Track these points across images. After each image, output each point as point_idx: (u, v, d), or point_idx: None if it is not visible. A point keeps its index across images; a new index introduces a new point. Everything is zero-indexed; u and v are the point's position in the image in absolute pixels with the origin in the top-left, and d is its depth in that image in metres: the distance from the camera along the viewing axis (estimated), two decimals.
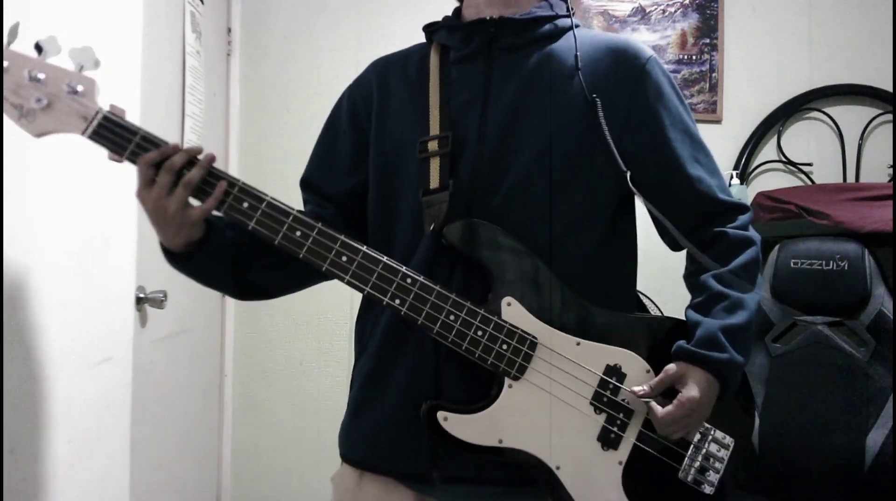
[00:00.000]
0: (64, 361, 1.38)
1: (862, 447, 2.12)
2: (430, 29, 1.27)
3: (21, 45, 1.04)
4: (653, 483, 1.12)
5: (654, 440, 1.11)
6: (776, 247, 2.33)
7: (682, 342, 1.11)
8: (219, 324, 2.62)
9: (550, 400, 1.09)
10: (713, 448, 1.13)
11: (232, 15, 2.66)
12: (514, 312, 1.09)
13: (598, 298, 1.14)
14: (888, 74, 2.62)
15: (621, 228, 1.20)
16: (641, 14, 2.70)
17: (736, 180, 2.57)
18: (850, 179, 2.62)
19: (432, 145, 1.15)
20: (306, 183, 1.29)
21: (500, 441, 1.08)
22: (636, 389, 1.09)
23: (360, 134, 1.25)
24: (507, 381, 1.09)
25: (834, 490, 2.13)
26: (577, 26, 1.22)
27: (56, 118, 1.03)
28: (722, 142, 2.64)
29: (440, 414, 1.07)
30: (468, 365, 1.09)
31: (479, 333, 1.08)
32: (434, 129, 1.16)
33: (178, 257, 1.13)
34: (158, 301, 1.81)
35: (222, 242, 1.13)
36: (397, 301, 1.07)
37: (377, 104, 1.23)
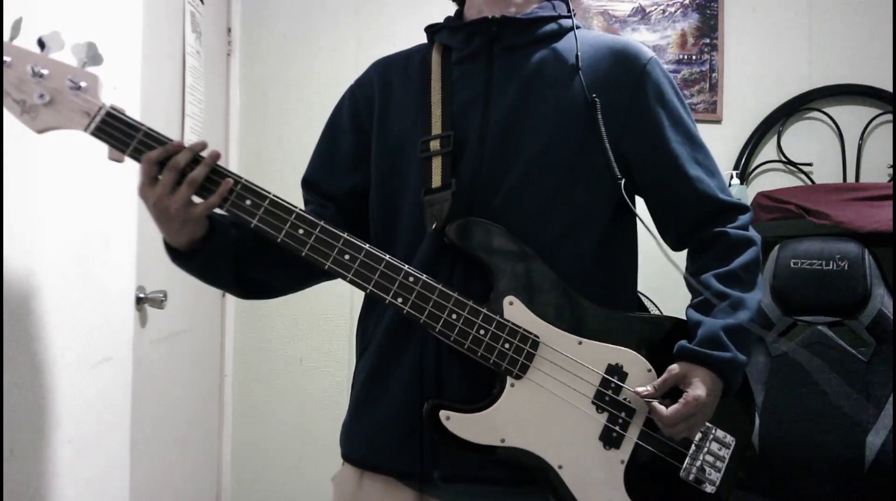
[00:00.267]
0: (64, 361, 1.38)
1: (862, 447, 2.12)
2: (431, 30, 1.27)
3: (22, 43, 1.04)
4: (655, 482, 1.12)
5: (655, 439, 1.11)
6: (776, 247, 2.33)
7: (683, 342, 1.11)
8: (219, 324, 2.62)
9: (552, 399, 1.09)
10: (714, 446, 1.13)
11: (232, 15, 2.66)
12: (515, 311, 1.10)
13: (599, 297, 1.14)
14: (888, 74, 2.62)
15: (622, 227, 1.20)
16: (641, 14, 2.70)
17: (736, 180, 2.57)
18: (850, 179, 2.62)
19: (434, 145, 1.15)
20: (307, 183, 1.29)
21: (503, 441, 1.08)
22: (640, 389, 1.09)
23: (361, 134, 1.25)
24: (509, 380, 1.09)
25: (834, 490, 2.13)
26: (578, 27, 1.22)
27: (59, 114, 1.02)
28: (722, 142, 2.64)
29: (443, 413, 1.07)
30: (470, 364, 1.09)
31: (482, 332, 1.08)
32: (436, 128, 1.16)
33: (181, 255, 1.12)
34: (158, 301, 1.81)
35: (225, 239, 1.13)
36: (399, 300, 1.07)
37: (379, 104, 1.24)
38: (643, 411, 1.10)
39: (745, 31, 2.69)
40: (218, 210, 1.09)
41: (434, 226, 1.11)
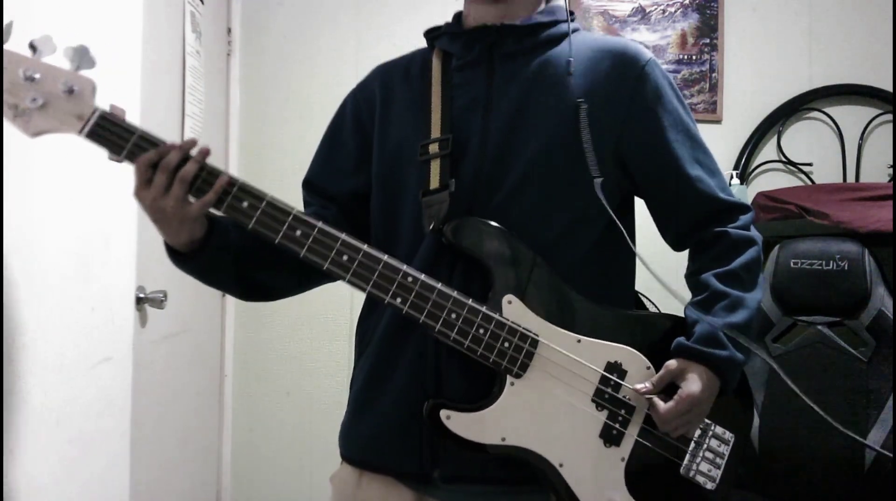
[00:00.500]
0: (64, 361, 1.39)
1: (862, 447, 2.12)
2: (431, 35, 1.27)
3: (20, 47, 1.04)
4: (655, 479, 1.12)
5: (655, 436, 1.11)
6: (776, 247, 2.33)
7: (681, 339, 1.12)
8: (219, 324, 2.62)
9: (552, 398, 1.09)
10: (714, 443, 1.14)
11: (232, 15, 2.66)
12: (514, 309, 1.10)
13: (598, 295, 1.14)
14: (888, 74, 2.62)
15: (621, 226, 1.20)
16: (641, 14, 2.70)
17: (736, 180, 2.57)
18: (850, 179, 2.62)
19: (433, 148, 1.15)
20: (309, 184, 1.30)
21: (503, 439, 1.08)
22: (638, 386, 1.09)
23: (363, 137, 1.25)
24: (508, 379, 1.09)
25: (834, 490, 2.13)
26: (577, 30, 1.22)
27: (52, 118, 1.02)
28: (722, 142, 2.64)
29: (443, 413, 1.07)
30: (470, 363, 1.09)
31: (481, 331, 1.08)
32: (435, 132, 1.17)
33: (182, 256, 1.12)
34: (158, 301, 1.82)
35: (225, 240, 1.13)
36: (399, 300, 1.07)
37: (380, 108, 1.24)
38: (643, 408, 1.10)
39: (745, 31, 2.69)
40: (214, 211, 1.09)
41: (432, 226, 1.11)
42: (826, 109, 2.65)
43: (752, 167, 2.66)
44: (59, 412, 1.36)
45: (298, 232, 1.06)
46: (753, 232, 1.19)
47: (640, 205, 1.25)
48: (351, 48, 2.67)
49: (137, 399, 1.70)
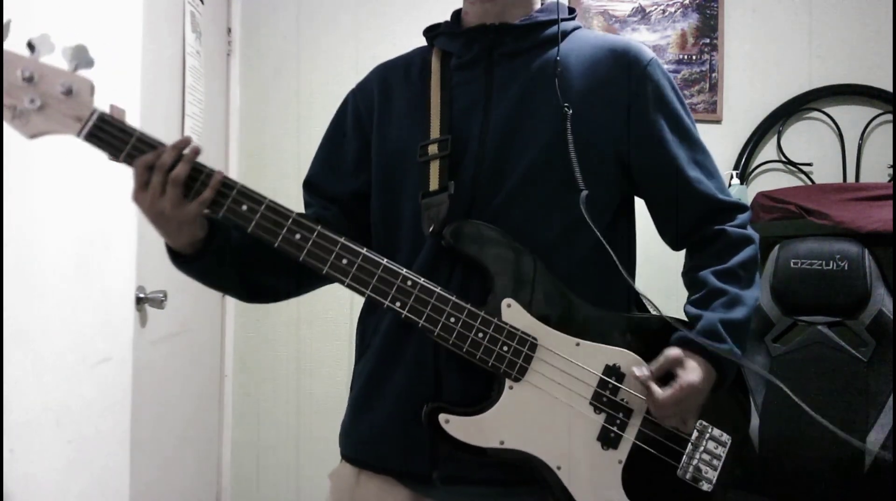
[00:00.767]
0: (64, 361, 1.39)
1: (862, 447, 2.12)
2: (430, 33, 1.27)
3: (19, 46, 1.03)
4: (652, 482, 1.12)
5: (653, 439, 1.11)
6: (776, 247, 2.33)
7: (682, 330, 1.12)
8: (219, 324, 2.62)
9: (551, 401, 1.09)
10: (710, 445, 1.14)
11: (232, 15, 2.66)
12: (513, 313, 1.10)
13: (597, 298, 1.14)
14: (888, 74, 2.62)
15: (621, 228, 1.21)
16: (641, 14, 2.70)
17: (736, 180, 2.57)
18: (850, 179, 2.62)
19: (432, 149, 1.15)
20: (309, 185, 1.29)
21: (502, 442, 1.08)
22: (635, 370, 1.09)
23: (363, 137, 1.25)
24: (507, 382, 1.09)
25: (834, 490, 2.13)
26: (577, 28, 1.22)
27: (50, 119, 1.01)
28: (722, 142, 2.64)
29: (442, 417, 1.07)
30: (468, 367, 1.09)
31: (480, 335, 1.08)
32: (434, 133, 1.16)
33: (184, 259, 1.12)
34: (158, 301, 1.82)
35: (226, 241, 1.13)
36: (398, 304, 1.07)
37: (379, 109, 1.24)
38: (640, 411, 1.10)
39: (745, 31, 2.69)
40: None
41: (431, 229, 1.11)
42: (826, 109, 2.65)
43: (752, 167, 2.66)
44: (59, 412, 1.36)
45: (298, 236, 1.06)
46: (751, 231, 1.20)
47: (640, 205, 1.25)
48: (351, 48, 2.67)
49: (137, 399, 1.70)
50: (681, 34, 2.69)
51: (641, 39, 2.69)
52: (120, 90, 1.57)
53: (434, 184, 1.13)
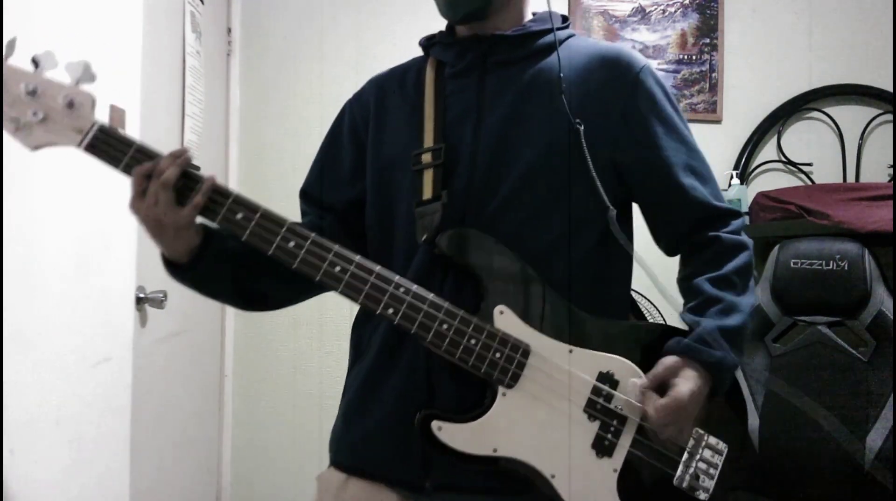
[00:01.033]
0: (64, 361, 1.39)
1: (862, 447, 2.12)
2: (426, 43, 1.27)
3: (20, 47, 1.04)
4: (648, 490, 1.11)
5: (648, 447, 1.10)
6: (776, 247, 2.33)
7: (678, 338, 1.12)
8: (219, 324, 2.63)
9: (544, 408, 1.08)
10: (707, 453, 1.12)
11: (232, 15, 2.66)
12: (506, 320, 1.09)
13: (592, 305, 1.14)
14: (888, 74, 2.62)
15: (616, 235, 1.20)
16: (641, 14, 2.70)
17: (736, 180, 2.57)
18: (850, 179, 2.62)
19: (426, 157, 1.15)
20: (305, 194, 1.30)
21: (495, 450, 1.07)
22: (632, 380, 1.09)
23: (358, 147, 1.26)
24: (500, 389, 1.08)
25: (834, 490, 2.13)
26: (571, 36, 1.22)
27: (52, 131, 1.04)
28: (722, 142, 2.64)
29: (434, 424, 1.06)
30: (462, 374, 1.09)
31: (472, 341, 1.07)
32: (428, 141, 1.17)
33: (180, 268, 1.13)
34: (158, 301, 1.82)
35: (222, 249, 1.14)
36: (390, 311, 1.07)
37: (374, 119, 1.25)
38: (635, 419, 1.09)
39: (745, 31, 2.69)
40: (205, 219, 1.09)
41: (424, 237, 1.11)
42: (826, 109, 2.65)
43: (752, 167, 2.66)
44: (59, 413, 1.36)
45: (292, 243, 1.07)
46: (745, 237, 1.19)
47: (637, 209, 1.24)
48: (351, 48, 2.67)
49: (137, 399, 1.70)
50: (681, 34, 2.69)
51: (641, 39, 2.69)
52: (120, 90, 1.58)
53: (427, 193, 1.14)
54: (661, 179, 1.17)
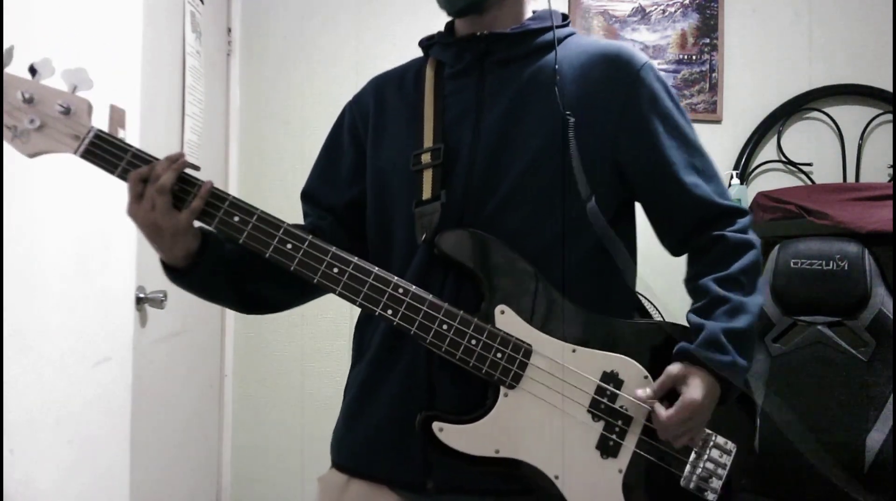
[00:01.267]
0: (64, 361, 1.39)
1: (862, 447, 2.12)
2: (425, 44, 1.27)
3: (20, 48, 1.04)
4: (654, 491, 1.10)
5: (653, 447, 1.09)
6: (776, 247, 2.32)
7: (684, 344, 1.10)
8: (219, 324, 2.62)
9: (547, 409, 1.08)
10: (715, 453, 1.11)
11: (232, 15, 2.66)
12: (507, 320, 1.09)
13: (595, 304, 1.13)
14: (888, 74, 2.62)
15: (620, 232, 1.19)
16: (641, 14, 2.70)
17: (736, 180, 2.57)
18: (850, 179, 2.62)
19: (425, 158, 1.15)
20: (306, 195, 1.30)
21: (497, 451, 1.07)
22: (638, 392, 1.08)
23: (358, 148, 1.26)
24: (502, 390, 1.08)
25: (834, 490, 2.13)
26: (571, 34, 1.21)
27: (49, 138, 1.05)
28: (722, 142, 2.64)
29: (436, 425, 1.06)
30: (463, 375, 1.08)
31: (473, 342, 1.07)
32: (427, 142, 1.16)
33: (179, 272, 1.13)
34: (158, 301, 1.82)
35: (221, 252, 1.14)
36: (389, 312, 1.07)
37: (374, 120, 1.24)
38: (640, 419, 1.08)
39: (745, 31, 2.69)
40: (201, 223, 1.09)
41: (423, 237, 1.11)
42: (826, 109, 2.65)
43: (752, 167, 2.66)
44: (59, 413, 1.36)
45: (289, 246, 1.07)
46: (752, 235, 1.17)
47: (639, 208, 1.24)
48: (351, 48, 2.67)
49: (137, 399, 1.70)
50: (681, 34, 2.69)
51: (641, 39, 2.69)
52: (120, 90, 1.58)
53: (427, 193, 1.13)
54: (664, 178, 1.16)
